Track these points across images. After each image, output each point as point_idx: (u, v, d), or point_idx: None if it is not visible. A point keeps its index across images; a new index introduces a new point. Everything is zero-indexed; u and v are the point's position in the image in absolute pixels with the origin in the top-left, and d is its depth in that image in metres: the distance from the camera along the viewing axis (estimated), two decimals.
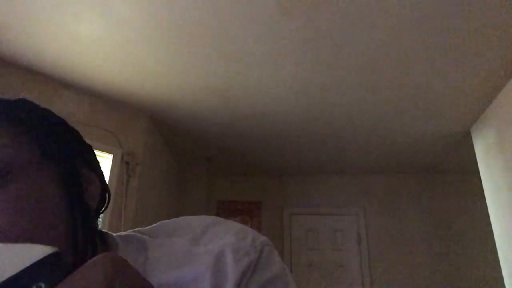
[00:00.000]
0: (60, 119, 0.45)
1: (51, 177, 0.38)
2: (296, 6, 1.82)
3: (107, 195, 0.46)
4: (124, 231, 0.48)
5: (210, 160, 3.88)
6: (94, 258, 0.24)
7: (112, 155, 2.60)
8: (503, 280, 2.59)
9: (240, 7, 1.83)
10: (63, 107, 2.46)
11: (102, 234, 0.45)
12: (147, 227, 0.48)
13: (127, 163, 2.66)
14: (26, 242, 0.25)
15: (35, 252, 0.24)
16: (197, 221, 0.46)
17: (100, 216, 0.48)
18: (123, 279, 0.23)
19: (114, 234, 0.45)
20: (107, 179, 2.52)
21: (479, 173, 2.89)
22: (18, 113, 0.40)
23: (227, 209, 4.19)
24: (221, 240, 0.42)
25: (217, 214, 4.11)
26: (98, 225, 0.47)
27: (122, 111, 2.79)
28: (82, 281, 0.22)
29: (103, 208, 0.46)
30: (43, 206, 0.35)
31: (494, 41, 2.02)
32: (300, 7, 1.82)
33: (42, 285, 0.22)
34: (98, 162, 0.47)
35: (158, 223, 0.48)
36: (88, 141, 0.47)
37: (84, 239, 0.38)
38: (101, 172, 0.46)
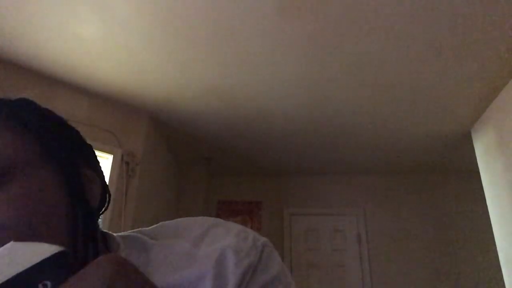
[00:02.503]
0: (61, 119, 0.45)
1: (52, 177, 0.38)
2: (296, 6, 1.82)
3: (107, 195, 0.46)
4: (124, 231, 0.48)
5: (210, 160, 3.88)
6: (97, 259, 0.24)
7: (112, 155, 2.60)
8: (503, 280, 2.59)
9: (240, 7, 1.83)
10: (63, 107, 2.46)
11: (103, 234, 0.45)
12: (148, 228, 0.47)
13: (127, 163, 2.66)
14: (26, 240, 0.25)
15: (43, 250, 0.24)
16: (198, 223, 0.46)
17: (100, 216, 0.48)
18: (124, 280, 0.23)
19: (115, 234, 0.45)
20: (107, 179, 2.52)
21: (479, 173, 2.89)
22: (18, 113, 0.40)
23: (227, 209, 4.19)
24: (222, 242, 0.42)
25: (217, 214, 4.11)
26: (99, 225, 0.47)
27: (122, 111, 2.79)
28: (84, 282, 0.22)
29: (104, 208, 0.46)
30: (43, 205, 0.35)
31: (494, 41, 2.02)
32: (301, 6, 1.82)
33: (48, 283, 0.23)
34: (98, 162, 0.47)
35: (159, 224, 0.48)
36: (88, 141, 0.47)
37: (85, 239, 0.38)
38: (102, 172, 0.46)
